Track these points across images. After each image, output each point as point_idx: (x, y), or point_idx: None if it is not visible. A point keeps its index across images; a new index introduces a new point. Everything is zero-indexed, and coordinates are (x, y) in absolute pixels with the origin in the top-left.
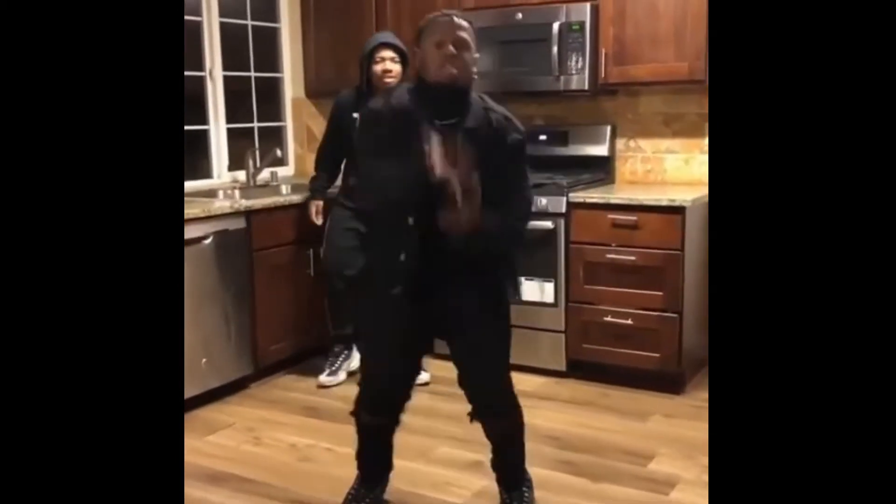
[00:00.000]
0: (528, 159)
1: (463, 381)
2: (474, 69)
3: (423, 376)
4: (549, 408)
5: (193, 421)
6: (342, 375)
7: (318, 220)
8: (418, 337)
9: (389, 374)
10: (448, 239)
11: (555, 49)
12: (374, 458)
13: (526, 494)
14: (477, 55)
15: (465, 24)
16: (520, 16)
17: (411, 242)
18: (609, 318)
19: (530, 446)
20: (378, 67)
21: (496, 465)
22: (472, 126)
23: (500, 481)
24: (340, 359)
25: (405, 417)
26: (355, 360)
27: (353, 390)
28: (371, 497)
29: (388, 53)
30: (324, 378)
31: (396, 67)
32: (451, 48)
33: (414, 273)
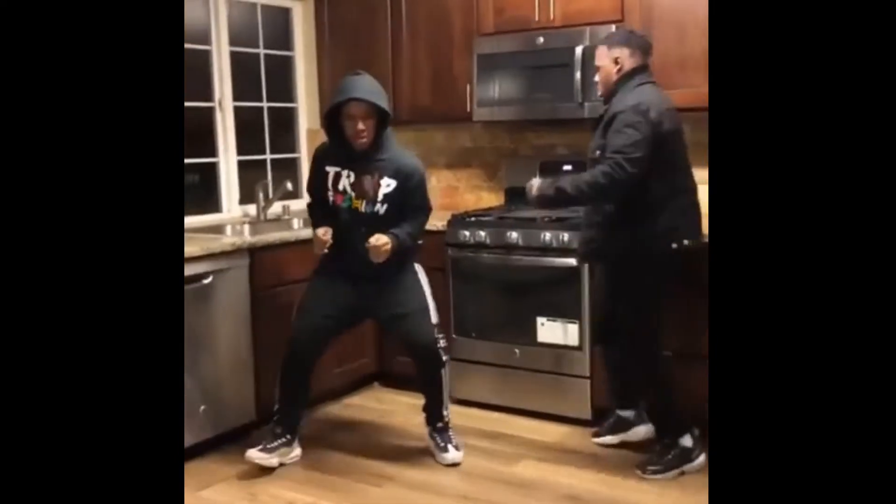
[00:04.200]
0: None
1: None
2: (612, 74)
3: (456, 455)
4: (571, 462)
5: (188, 473)
6: (275, 461)
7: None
8: None
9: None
10: None
11: (577, 74)
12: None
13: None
14: (598, 64)
15: (598, 49)
16: (541, 40)
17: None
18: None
19: None
20: (349, 125)
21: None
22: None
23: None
24: (279, 442)
25: (415, 476)
26: (295, 452)
27: (356, 438)
28: None
29: (358, 110)
30: (254, 453)
31: (369, 125)
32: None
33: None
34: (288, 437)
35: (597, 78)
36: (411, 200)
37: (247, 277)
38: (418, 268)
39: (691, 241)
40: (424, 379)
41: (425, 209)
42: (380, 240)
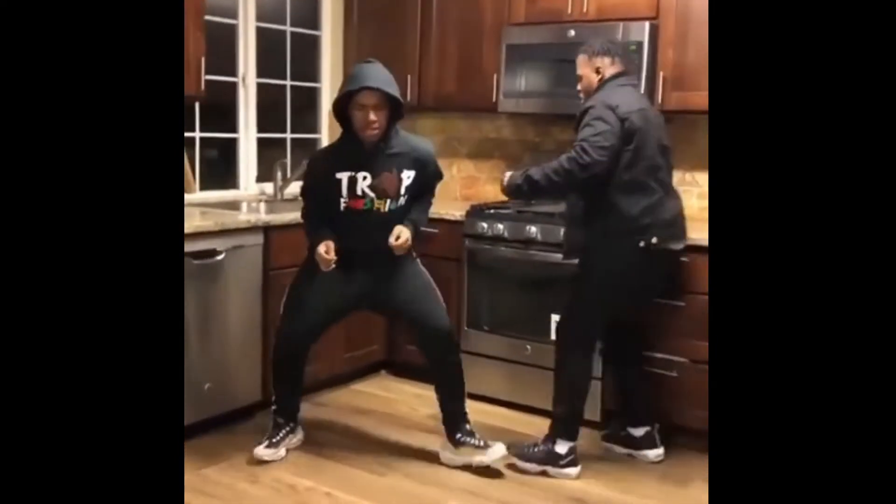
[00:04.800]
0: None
1: None
2: (594, 82)
3: (501, 449)
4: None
5: (189, 450)
6: (283, 451)
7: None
8: None
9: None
10: None
11: None
12: None
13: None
14: (579, 72)
15: (579, 58)
16: (572, 33)
17: None
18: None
19: None
20: (359, 116)
21: None
22: None
23: None
24: (283, 432)
25: (417, 468)
26: (298, 436)
27: (361, 425)
28: None
29: (370, 100)
30: (262, 451)
31: (381, 116)
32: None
33: None
34: (291, 424)
35: (579, 86)
36: (428, 184)
37: (260, 256)
38: (416, 257)
39: (660, 241)
40: (444, 371)
41: (436, 185)
42: (401, 237)
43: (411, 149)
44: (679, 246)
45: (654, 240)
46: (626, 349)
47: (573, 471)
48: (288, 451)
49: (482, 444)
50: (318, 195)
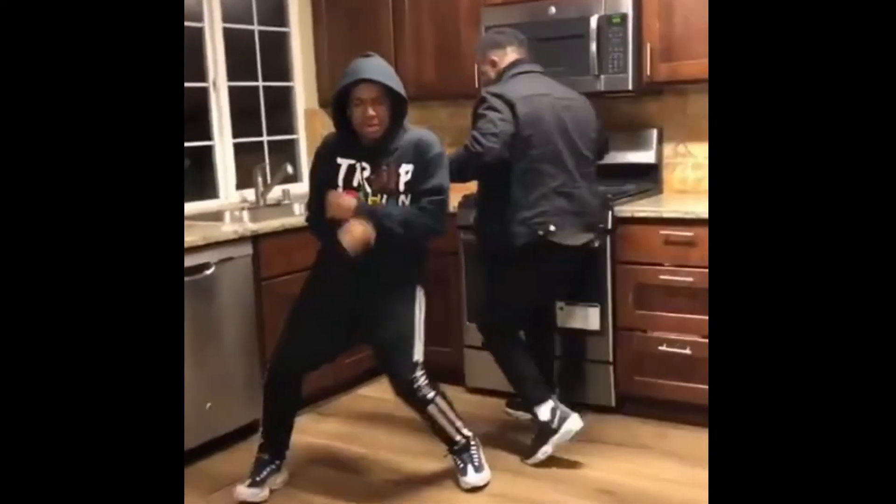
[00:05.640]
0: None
1: None
2: (489, 73)
3: (475, 477)
4: (597, 453)
5: (196, 475)
6: (266, 492)
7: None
8: None
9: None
10: None
11: (593, 46)
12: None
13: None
14: (483, 68)
15: (476, 55)
16: (553, 10)
17: None
18: (664, 348)
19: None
20: (357, 112)
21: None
22: None
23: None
24: (267, 470)
25: (438, 471)
26: (282, 476)
27: (372, 432)
28: None
29: (368, 93)
30: (243, 490)
31: (381, 111)
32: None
33: None
34: (277, 462)
35: (482, 81)
36: (423, 180)
37: (250, 266)
38: (419, 289)
39: (558, 230)
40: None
41: (438, 191)
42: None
43: (412, 139)
44: (583, 240)
45: (551, 227)
46: (544, 334)
47: (572, 424)
48: (272, 491)
49: (461, 466)
50: (322, 183)
